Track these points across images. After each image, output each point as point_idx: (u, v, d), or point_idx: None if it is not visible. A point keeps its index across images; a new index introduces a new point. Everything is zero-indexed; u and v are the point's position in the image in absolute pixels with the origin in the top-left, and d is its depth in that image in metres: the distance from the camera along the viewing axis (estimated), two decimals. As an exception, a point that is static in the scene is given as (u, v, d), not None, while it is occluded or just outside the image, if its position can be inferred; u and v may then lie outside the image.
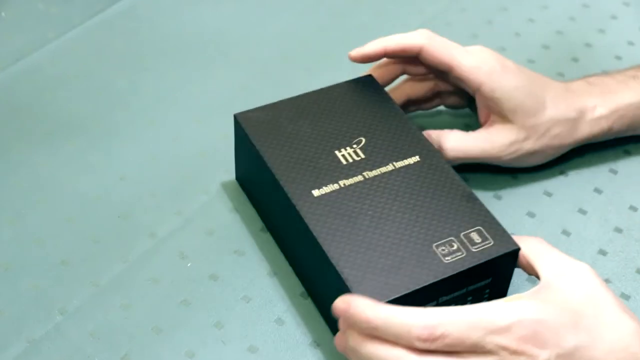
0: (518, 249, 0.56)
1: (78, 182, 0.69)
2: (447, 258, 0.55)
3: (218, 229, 0.65)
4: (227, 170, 0.69)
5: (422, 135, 0.63)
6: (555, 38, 0.80)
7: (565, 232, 0.65)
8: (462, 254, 0.55)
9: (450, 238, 0.56)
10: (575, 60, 0.78)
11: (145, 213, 0.67)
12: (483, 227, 0.56)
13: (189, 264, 0.63)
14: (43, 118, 0.74)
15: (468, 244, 0.56)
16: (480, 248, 0.55)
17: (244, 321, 0.60)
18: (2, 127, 0.74)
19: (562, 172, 0.69)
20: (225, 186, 0.68)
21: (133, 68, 0.79)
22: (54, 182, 0.69)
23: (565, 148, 0.66)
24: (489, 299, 0.58)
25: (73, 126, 0.74)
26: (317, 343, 0.58)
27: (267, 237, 0.64)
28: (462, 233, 0.56)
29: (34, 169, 0.70)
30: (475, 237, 0.56)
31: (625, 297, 0.62)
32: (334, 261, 0.54)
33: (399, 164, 0.61)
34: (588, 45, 0.79)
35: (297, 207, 0.57)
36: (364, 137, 0.62)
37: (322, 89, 0.66)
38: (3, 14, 0.84)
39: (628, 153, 0.70)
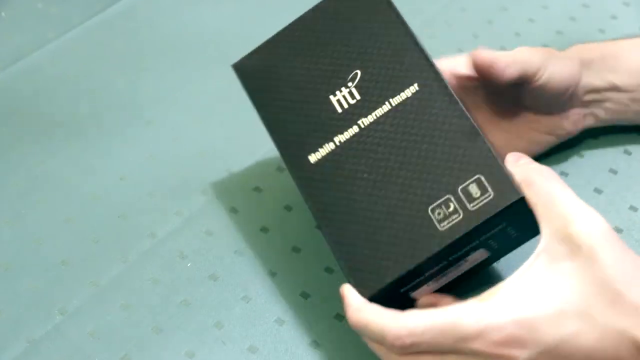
0: (521, 198, 0.51)
1: (78, 182, 0.69)
2: (442, 224, 0.52)
3: (218, 229, 0.65)
4: (227, 170, 0.69)
5: (423, 54, 0.57)
6: (555, 38, 0.80)
7: (565, 232, 0.65)
8: (459, 215, 0.52)
9: (447, 197, 0.53)
10: (575, 60, 0.78)
11: (145, 213, 0.66)
12: (483, 175, 0.52)
13: (188, 264, 0.63)
14: (43, 118, 0.74)
15: (466, 200, 0.52)
16: (479, 205, 0.52)
17: (244, 321, 0.60)
18: (2, 127, 0.74)
19: (562, 172, 0.68)
20: (225, 186, 0.68)
21: (133, 68, 0.78)
22: (54, 182, 0.69)
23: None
24: (518, 237, 0.55)
25: (73, 126, 0.74)
26: (317, 343, 0.58)
27: (267, 237, 0.64)
28: (460, 187, 0.52)
29: (34, 169, 0.70)
30: (473, 190, 0.52)
31: (625, 297, 0.62)
32: (330, 245, 0.54)
33: (395, 100, 0.56)
34: (588, 45, 0.79)
35: (295, 178, 0.57)
36: (360, 68, 0.58)
37: (318, 5, 0.62)
38: (3, 13, 0.84)
39: (628, 153, 0.70)
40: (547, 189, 0.51)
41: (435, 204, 0.53)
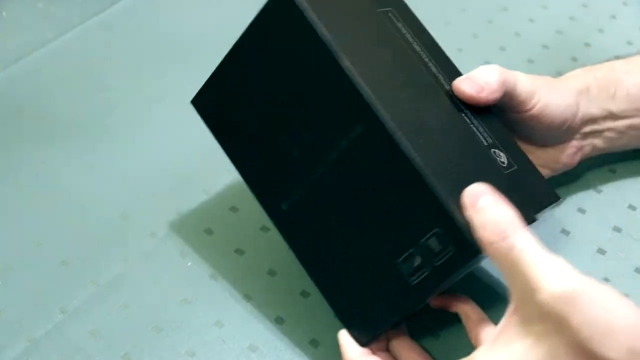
0: (479, 253, 0.48)
1: (78, 182, 0.69)
2: (412, 278, 0.50)
3: (218, 229, 0.65)
4: (227, 170, 0.69)
5: (363, 87, 0.50)
6: (554, 38, 0.80)
7: (564, 232, 0.65)
8: (427, 270, 0.50)
9: (410, 251, 0.50)
10: (574, 60, 0.78)
11: (145, 213, 0.67)
12: (440, 228, 0.48)
13: (189, 263, 0.63)
14: (43, 118, 0.74)
15: (429, 255, 0.49)
16: (443, 259, 0.49)
17: (244, 320, 0.60)
18: (2, 127, 0.74)
19: (562, 172, 0.69)
20: (225, 186, 0.68)
21: (133, 68, 0.79)
22: (54, 181, 0.69)
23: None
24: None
25: (73, 126, 0.74)
26: (317, 341, 0.58)
27: (267, 236, 0.64)
28: (420, 241, 0.49)
29: (34, 169, 0.70)
30: (434, 244, 0.49)
31: (624, 296, 0.62)
32: (319, 289, 0.55)
33: (341, 145, 0.51)
34: (587, 45, 0.80)
35: (274, 224, 0.55)
36: (300, 107, 0.53)
37: (250, 29, 0.56)
38: (4, 13, 0.84)
39: (627, 152, 0.70)
40: (507, 247, 0.46)
41: (401, 259, 0.50)
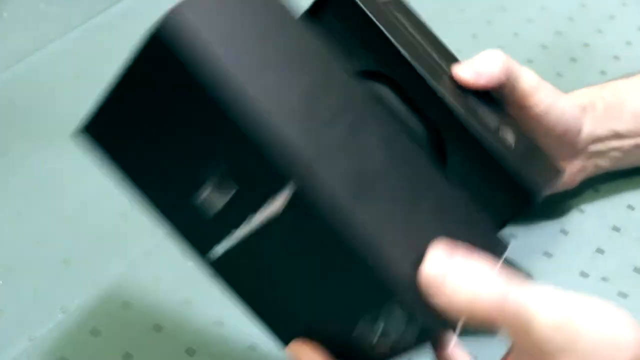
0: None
1: (78, 182, 0.69)
2: (374, 350, 0.44)
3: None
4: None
5: (295, 144, 0.40)
6: (553, 38, 0.80)
7: (563, 231, 0.65)
8: (386, 342, 0.44)
9: (362, 324, 0.43)
10: (573, 60, 0.78)
11: (146, 212, 0.67)
12: (394, 302, 0.42)
13: (190, 263, 0.63)
14: (43, 118, 0.74)
15: (385, 328, 0.43)
16: (401, 333, 0.43)
17: (245, 319, 0.60)
18: (2, 127, 0.74)
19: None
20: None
21: (133, 68, 0.79)
22: (54, 181, 0.69)
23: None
24: None
25: (73, 126, 0.74)
26: (317, 341, 0.58)
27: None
28: (373, 314, 0.43)
29: (34, 169, 0.70)
30: (392, 319, 0.42)
31: (622, 295, 0.62)
32: None
33: (269, 206, 0.41)
34: (586, 45, 0.80)
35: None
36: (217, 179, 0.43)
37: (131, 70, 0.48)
38: (5, 14, 0.84)
39: (626, 152, 0.70)
40: (490, 301, 0.42)
41: (355, 332, 0.44)
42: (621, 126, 0.63)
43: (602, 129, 0.63)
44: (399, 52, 0.55)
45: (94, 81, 0.78)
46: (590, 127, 0.62)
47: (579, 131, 0.61)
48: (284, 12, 0.44)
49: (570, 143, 0.61)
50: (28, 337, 0.59)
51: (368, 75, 0.57)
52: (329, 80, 0.44)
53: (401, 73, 0.55)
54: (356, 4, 0.55)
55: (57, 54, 0.80)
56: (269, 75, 0.41)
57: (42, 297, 0.61)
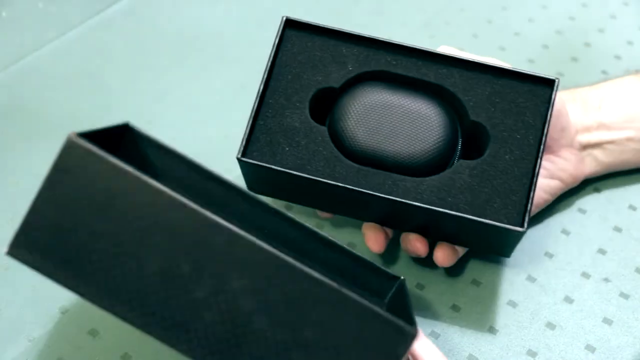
0: None
1: (78, 182, 0.69)
2: None
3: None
4: (227, 169, 0.69)
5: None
6: (554, 38, 0.80)
7: (565, 232, 0.65)
8: None
9: None
10: (574, 59, 0.78)
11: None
12: None
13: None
14: (43, 118, 0.74)
15: None
16: None
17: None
18: (2, 127, 0.74)
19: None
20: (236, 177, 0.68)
21: (133, 68, 0.79)
22: (54, 181, 0.69)
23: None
24: None
25: (73, 126, 0.74)
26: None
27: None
28: None
29: (34, 169, 0.70)
30: None
31: (624, 296, 0.62)
32: None
33: None
34: (587, 45, 0.80)
35: None
36: None
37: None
38: (4, 13, 0.84)
39: (627, 152, 0.70)
40: None
41: None
42: (604, 118, 0.65)
43: (588, 120, 0.65)
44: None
45: (94, 81, 0.78)
46: (575, 116, 0.64)
47: (566, 115, 0.63)
48: None
49: (561, 129, 0.63)
50: (27, 337, 0.59)
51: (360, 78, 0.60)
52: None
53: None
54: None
55: (57, 53, 0.80)
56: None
57: (40, 298, 0.61)
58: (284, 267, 0.45)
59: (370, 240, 0.61)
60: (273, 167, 0.56)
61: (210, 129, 0.73)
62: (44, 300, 0.61)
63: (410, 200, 0.55)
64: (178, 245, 0.45)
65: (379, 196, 0.55)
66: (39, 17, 0.83)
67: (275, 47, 0.60)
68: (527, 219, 0.55)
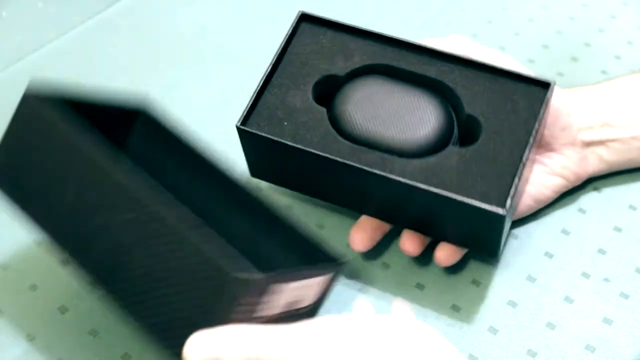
0: None
1: (78, 182, 0.69)
2: None
3: (218, 229, 0.65)
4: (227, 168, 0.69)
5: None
6: (554, 37, 0.80)
7: (565, 231, 0.65)
8: None
9: None
10: (574, 59, 0.78)
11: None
12: None
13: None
14: (43, 118, 0.74)
15: None
16: None
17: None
18: (2, 127, 0.74)
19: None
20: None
21: (133, 68, 0.79)
22: (54, 181, 0.69)
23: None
24: None
25: (73, 126, 0.74)
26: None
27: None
28: None
29: (34, 168, 0.70)
30: None
31: (624, 296, 0.62)
32: None
33: None
34: (587, 45, 0.80)
35: None
36: None
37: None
38: (4, 13, 0.84)
39: (627, 152, 0.70)
40: None
41: None
42: (606, 116, 0.65)
43: (591, 118, 0.65)
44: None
45: (94, 81, 0.78)
46: (578, 114, 0.64)
47: (567, 115, 0.63)
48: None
49: (562, 128, 0.63)
50: (26, 338, 0.59)
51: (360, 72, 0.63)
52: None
53: None
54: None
55: (57, 53, 0.80)
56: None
57: (40, 298, 0.61)
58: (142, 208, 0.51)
59: (355, 241, 0.62)
60: (269, 136, 0.58)
61: (210, 129, 0.73)
62: (44, 300, 0.61)
63: (396, 176, 0.56)
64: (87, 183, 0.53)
65: (365, 170, 0.56)
66: (39, 17, 0.83)
67: (287, 36, 0.63)
68: (509, 203, 0.55)
